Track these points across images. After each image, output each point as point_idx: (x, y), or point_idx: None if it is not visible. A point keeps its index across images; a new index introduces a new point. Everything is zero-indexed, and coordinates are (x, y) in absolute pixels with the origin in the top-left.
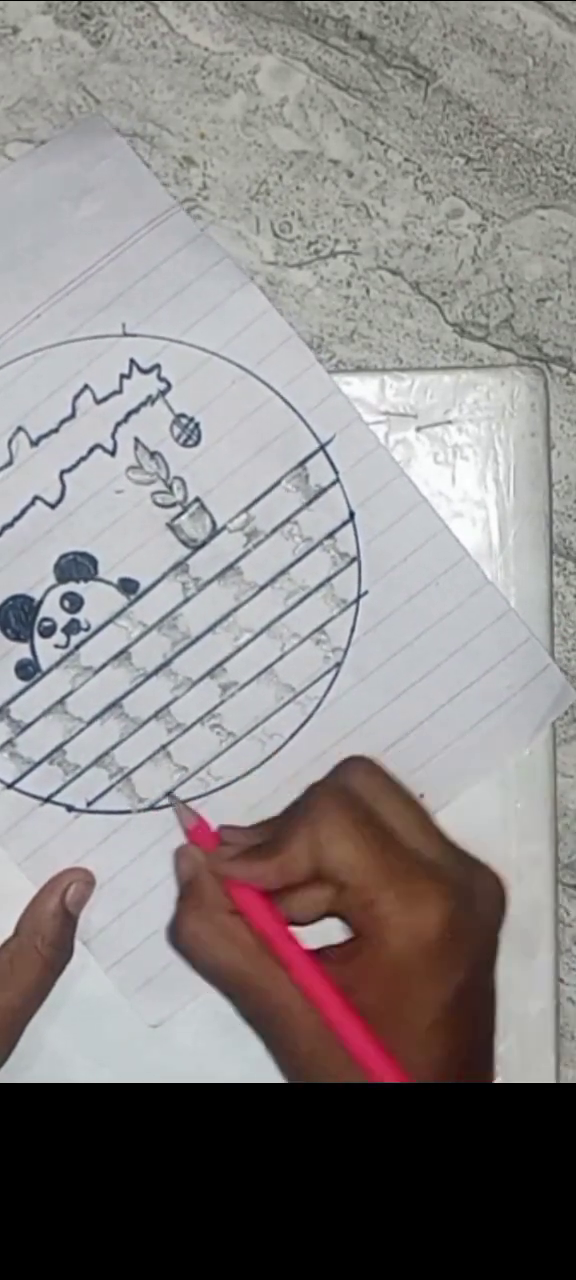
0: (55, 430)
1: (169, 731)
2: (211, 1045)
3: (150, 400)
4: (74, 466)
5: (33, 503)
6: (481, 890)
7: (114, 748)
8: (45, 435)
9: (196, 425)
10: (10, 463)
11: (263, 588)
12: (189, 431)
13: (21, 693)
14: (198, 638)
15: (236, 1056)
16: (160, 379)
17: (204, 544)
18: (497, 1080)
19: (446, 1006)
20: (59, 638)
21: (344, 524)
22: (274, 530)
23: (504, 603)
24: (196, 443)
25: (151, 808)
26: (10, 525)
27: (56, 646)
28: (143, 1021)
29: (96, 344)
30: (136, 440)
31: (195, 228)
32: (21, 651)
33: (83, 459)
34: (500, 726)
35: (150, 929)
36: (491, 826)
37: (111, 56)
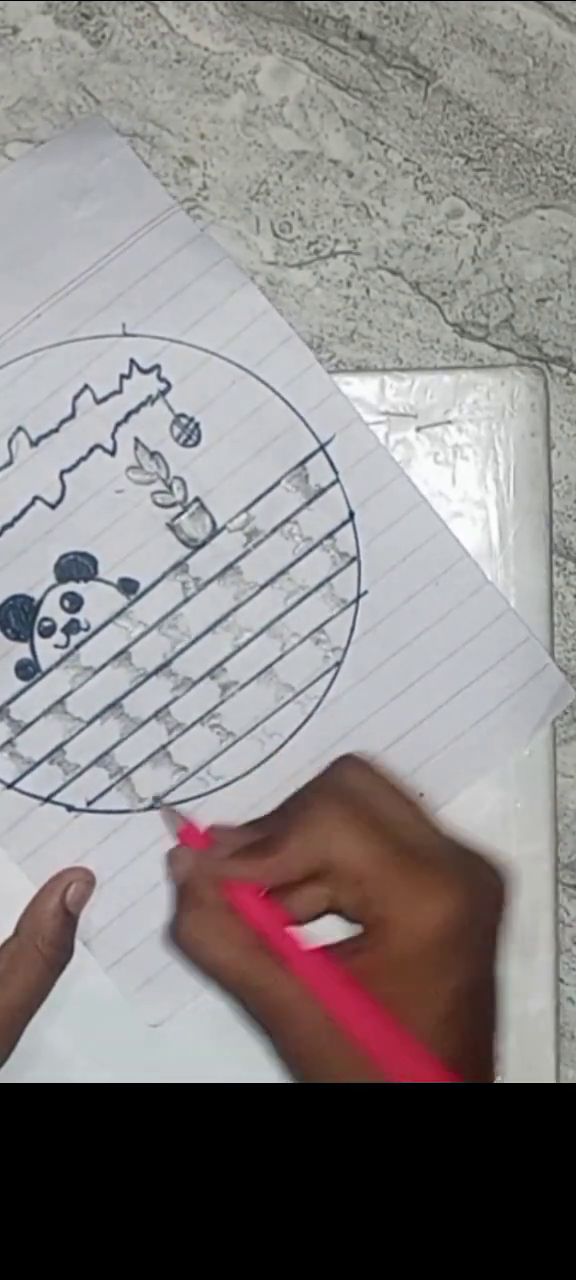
0: (55, 430)
1: (169, 731)
2: (211, 1045)
3: (150, 400)
4: (74, 466)
5: (33, 503)
6: (485, 879)
7: (114, 747)
8: (45, 435)
9: (196, 425)
10: (10, 463)
11: (262, 587)
12: (189, 431)
13: (21, 693)
14: (197, 638)
15: (235, 1056)
16: (160, 379)
17: (204, 544)
18: (497, 1080)
19: (458, 999)
20: (59, 638)
21: (343, 524)
22: (274, 530)
23: (503, 602)
24: (196, 443)
25: (151, 807)
26: (10, 525)
27: (56, 646)
28: (142, 1021)
29: (96, 344)
30: (136, 440)
31: (195, 228)
32: (21, 651)
33: (83, 459)
34: (499, 726)
35: (150, 929)
36: (491, 826)
37: (111, 56)
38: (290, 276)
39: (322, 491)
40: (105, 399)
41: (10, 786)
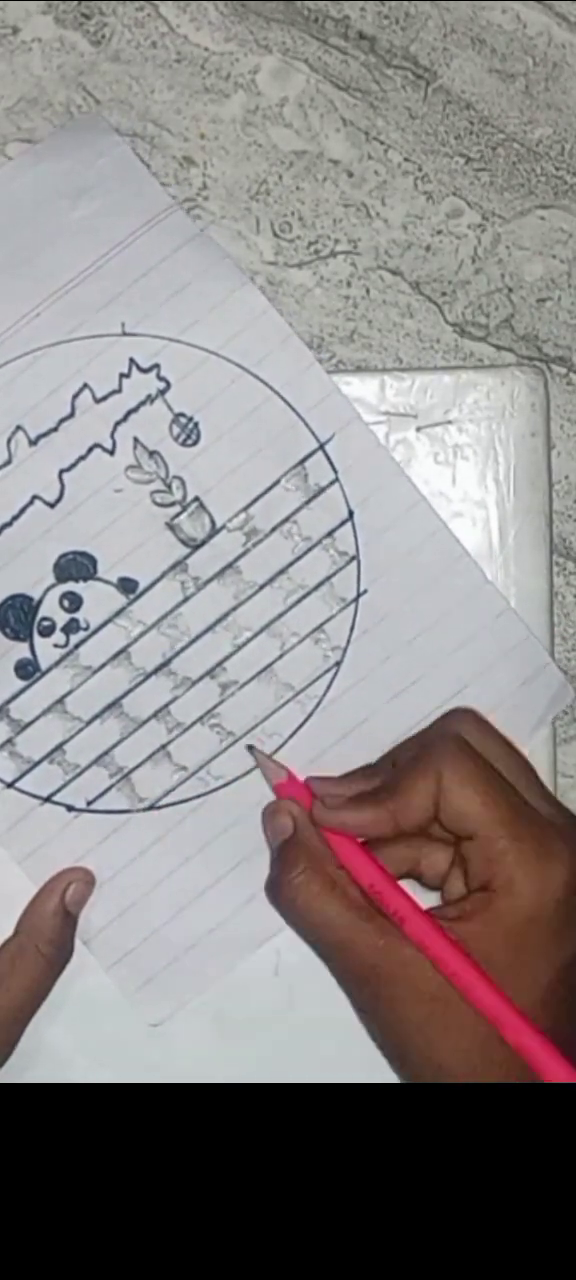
0: (54, 429)
1: (169, 731)
2: (211, 1046)
3: (149, 399)
4: (73, 466)
5: (32, 502)
6: None
7: (114, 747)
8: (44, 434)
9: (195, 424)
10: (9, 462)
11: (262, 587)
12: (188, 431)
13: (21, 692)
14: (197, 637)
15: (236, 1057)
16: (159, 378)
17: (203, 543)
18: None
19: (567, 966)
20: (58, 637)
21: (343, 523)
22: (273, 529)
23: (502, 601)
24: (195, 442)
25: (151, 807)
26: (9, 525)
27: (56, 646)
28: (143, 1021)
29: (96, 343)
30: (135, 439)
31: (194, 227)
32: (21, 651)
33: (82, 458)
34: (499, 724)
35: (150, 929)
36: None
37: (111, 56)
38: (290, 276)
39: (322, 491)
40: (104, 398)
41: (10, 786)
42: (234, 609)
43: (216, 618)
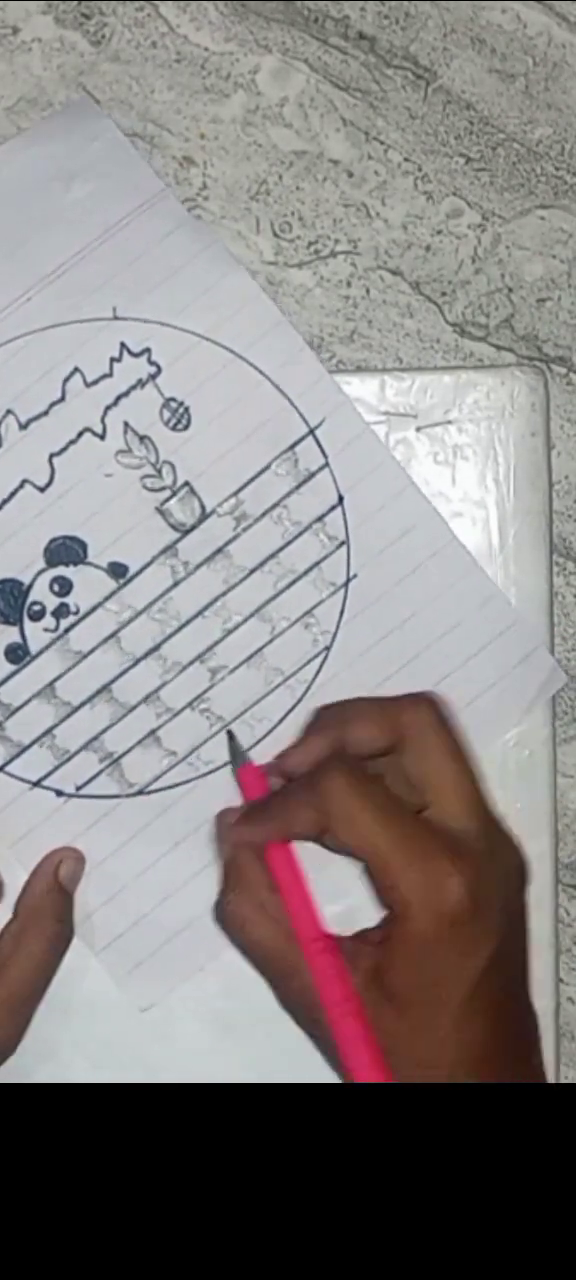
0: (44, 413)
1: (158, 716)
2: (211, 1045)
3: (140, 384)
4: (63, 450)
5: (22, 486)
6: (502, 860)
7: (103, 732)
8: (34, 418)
9: (186, 409)
10: None
11: (252, 571)
12: (179, 415)
13: (11, 676)
14: (187, 622)
15: (236, 1056)
16: (150, 362)
17: (193, 528)
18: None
19: (479, 979)
20: (48, 621)
21: (333, 508)
22: (263, 514)
23: (492, 585)
24: (186, 426)
25: (141, 792)
26: None
27: (46, 630)
28: (133, 1005)
29: (87, 327)
30: (126, 424)
31: (185, 212)
32: (11, 635)
33: (72, 442)
34: (489, 708)
35: (140, 913)
36: None
37: (111, 56)
38: (290, 276)
39: (312, 475)
40: (95, 382)
41: (0, 770)
42: (224, 594)
43: (206, 602)
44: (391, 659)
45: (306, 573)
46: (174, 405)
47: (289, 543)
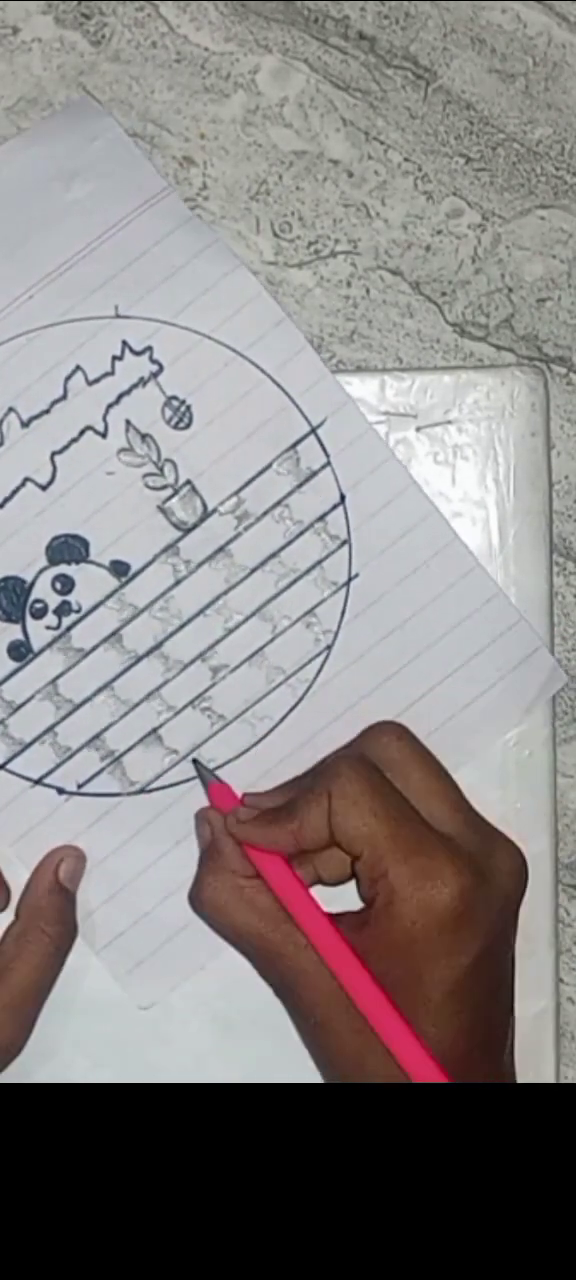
0: (46, 411)
1: (159, 714)
2: (211, 1046)
3: (142, 382)
4: (65, 448)
5: (23, 484)
6: (500, 865)
7: (105, 730)
8: (36, 416)
9: (188, 408)
10: (1, 444)
11: (253, 570)
12: (180, 414)
13: (13, 674)
14: (188, 620)
15: (236, 1057)
16: (152, 361)
17: (195, 527)
18: (508, 1065)
19: (461, 979)
20: (50, 619)
21: (335, 507)
22: (265, 513)
23: (493, 585)
24: (188, 425)
25: (142, 790)
26: (1, 507)
27: (48, 628)
28: (133, 1004)
29: (88, 325)
30: (128, 422)
31: (187, 210)
32: (13, 633)
33: (74, 441)
34: (490, 708)
35: (141, 912)
36: None
37: (111, 56)
38: (290, 276)
39: (314, 474)
40: (97, 381)
41: (1, 768)
42: (225, 592)
43: (208, 601)
44: (392, 658)
45: (308, 572)
46: (176, 404)
47: (290, 542)
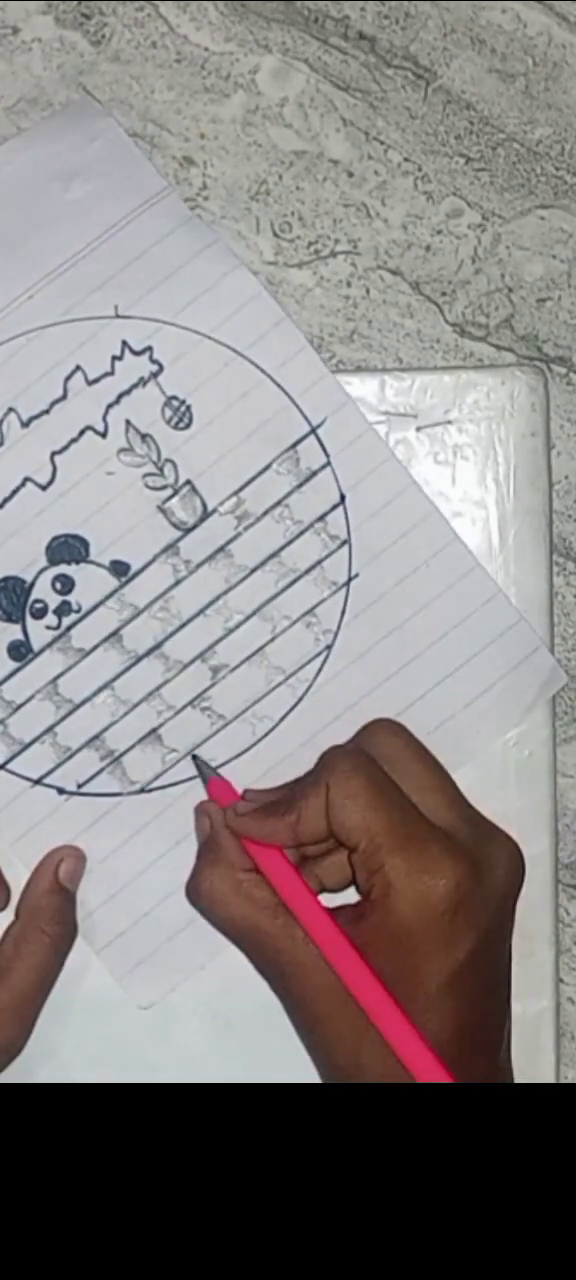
0: (46, 411)
1: (159, 714)
2: (211, 1045)
3: (142, 382)
4: (65, 448)
5: (23, 484)
6: (496, 859)
7: (105, 730)
8: (36, 416)
9: (188, 408)
10: (1, 444)
11: (253, 570)
12: (180, 414)
13: (13, 674)
14: (188, 620)
15: (236, 1056)
16: (152, 361)
17: (195, 527)
18: (503, 1062)
19: (457, 972)
20: (50, 619)
21: (335, 507)
22: (265, 513)
23: (493, 585)
24: (188, 425)
25: (142, 790)
26: (1, 507)
27: (48, 628)
28: (133, 1004)
29: (88, 325)
30: (128, 422)
31: (187, 210)
32: (13, 632)
33: (74, 441)
34: (490, 708)
35: (141, 911)
36: None
37: (111, 56)
38: (290, 276)
39: (314, 474)
40: (97, 380)
41: (1, 768)
42: (225, 592)
43: (208, 601)
44: (392, 658)
45: (308, 572)
46: (176, 404)
47: (290, 542)
